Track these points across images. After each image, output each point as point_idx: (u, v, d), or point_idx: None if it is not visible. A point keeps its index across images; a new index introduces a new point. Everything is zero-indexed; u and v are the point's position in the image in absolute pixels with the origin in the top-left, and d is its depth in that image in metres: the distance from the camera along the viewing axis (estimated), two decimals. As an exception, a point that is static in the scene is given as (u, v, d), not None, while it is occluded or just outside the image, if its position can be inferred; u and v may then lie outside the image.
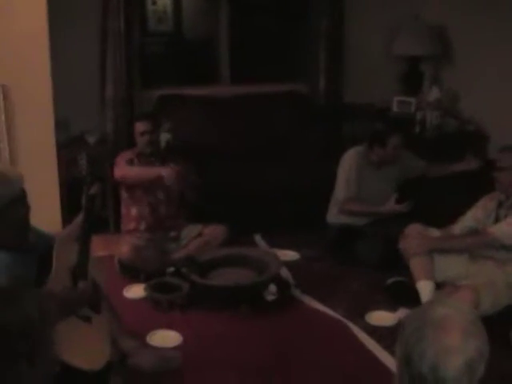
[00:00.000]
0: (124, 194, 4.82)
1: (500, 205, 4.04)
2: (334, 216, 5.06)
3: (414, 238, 4.15)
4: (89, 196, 3.26)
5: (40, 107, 4.67)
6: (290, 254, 5.00)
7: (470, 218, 4.18)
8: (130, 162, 4.73)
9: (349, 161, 4.91)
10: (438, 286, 3.97)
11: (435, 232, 4.26)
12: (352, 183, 4.86)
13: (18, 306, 1.81)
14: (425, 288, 3.97)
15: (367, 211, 4.88)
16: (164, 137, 5.12)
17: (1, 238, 2.92)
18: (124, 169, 4.69)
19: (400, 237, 4.27)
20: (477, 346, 1.57)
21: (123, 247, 4.56)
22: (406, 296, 4.17)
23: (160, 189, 4.75)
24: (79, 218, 3.30)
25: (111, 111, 5.51)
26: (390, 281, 4.43)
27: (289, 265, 4.76)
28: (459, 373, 1.54)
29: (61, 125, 5.02)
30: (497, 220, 4.00)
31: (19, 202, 2.93)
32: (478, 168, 4.87)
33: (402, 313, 4.04)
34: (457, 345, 1.55)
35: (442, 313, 1.61)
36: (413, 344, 1.57)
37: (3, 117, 4.54)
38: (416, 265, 4.08)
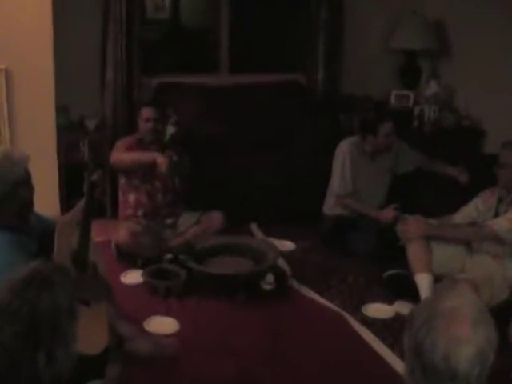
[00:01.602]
0: (121, 181, 4.76)
1: (500, 200, 4.02)
2: (329, 207, 5.03)
3: (413, 222, 4.12)
4: (90, 183, 3.20)
5: (41, 91, 4.67)
6: (286, 244, 4.96)
7: (472, 208, 4.16)
8: (130, 148, 4.67)
9: (343, 151, 4.88)
10: (436, 279, 3.93)
11: (435, 222, 4.23)
12: (347, 176, 4.83)
13: (49, 292, 1.76)
14: (423, 281, 3.93)
15: (362, 210, 4.83)
16: (170, 130, 5.02)
17: (4, 218, 2.89)
18: (119, 154, 4.62)
19: (395, 226, 4.24)
20: (486, 334, 1.58)
21: (121, 232, 4.50)
22: (403, 289, 4.13)
23: (157, 177, 4.69)
24: (80, 204, 3.25)
25: (111, 96, 5.44)
26: (387, 273, 4.40)
27: (285, 255, 4.71)
28: (471, 362, 1.54)
29: (60, 109, 4.99)
30: (496, 215, 3.98)
31: (23, 183, 2.92)
32: (466, 182, 4.83)
33: (399, 305, 4.02)
34: (467, 335, 1.54)
35: (450, 303, 1.60)
36: (423, 335, 1.55)
37: (5, 100, 4.50)
38: (414, 256, 4.04)
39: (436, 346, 1.53)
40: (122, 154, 4.61)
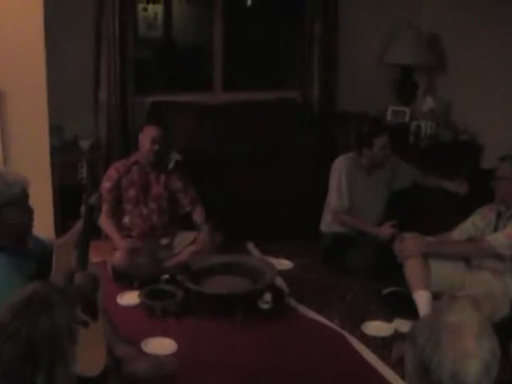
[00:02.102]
0: (114, 205, 4.76)
1: (499, 215, 4.05)
2: (327, 224, 5.06)
3: (410, 239, 4.15)
4: (89, 205, 3.24)
5: (34, 111, 4.69)
6: (284, 263, 4.98)
7: (470, 225, 4.18)
8: (125, 172, 4.68)
9: (339, 167, 4.92)
10: (435, 296, 3.95)
11: (432, 240, 4.25)
12: (344, 192, 4.86)
13: (48, 313, 1.79)
14: (422, 298, 3.94)
15: (359, 227, 4.86)
16: (175, 156, 4.98)
17: (0, 240, 2.92)
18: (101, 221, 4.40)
19: (394, 243, 4.26)
20: (490, 347, 1.59)
21: (117, 253, 4.53)
22: (402, 306, 4.16)
23: (151, 200, 4.73)
24: (77, 226, 3.28)
25: (105, 116, 5.49)
26: (385, 291, 4.43)
27: (283, 274, 4.73)
28: (479, 376, 1.55)
29: (54, 129, 5.02)
30: (496, 230, 3.99)
31: (14, 204, 2.93)
32: (465, 193, 4.88)
33: (397, 323, 4.04)
34: (473, 349, 1.55)
35: (453, 319, 1.61)
36: (429, 353, 1.56)
37: (-3, 121, 4.52)
38: (412, 273, 4.06)
39: (443, 362, 1.54)
40: (104, 221, 4.54)
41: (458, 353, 1.54)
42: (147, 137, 4.65)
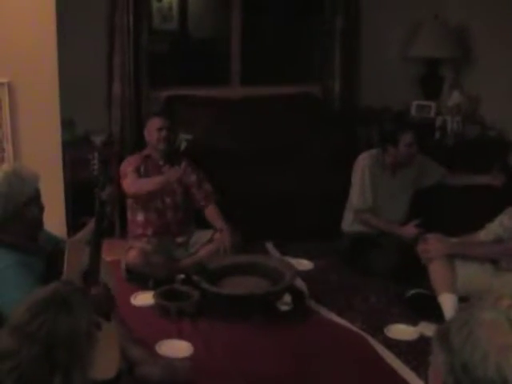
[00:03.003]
0: (129, 200, 4.82)
1: (529, 216, 4.02)
2: (348, 224, 5.05)
3: (434, 241, 4.13)
4: (101, 200, 3.24)
5: (46, 106, 4.69)
6: (303, 264, 4.99)
7: (497, 225, 4.14)
8: (137, 171, 4.70)
9: (362, 165, 4.91)
10: (461, 299, 3.93)
11: (457, 241, 4.23)
12: (367, 191, 4.85)
13: (68, 314, 1.80)
14: (447, 302, 3.92)
15: (382, 227, 4.85)
16: (183, 137, 5.00)
17: (13, 237, 2.94)
18: (134, 184, 4.64)
19: (418, 245, 4.24)
20: None
21: (131, 252, 4.54)
22: (427, 309, 4.14)
23: (166, 194, 4.74)
24: (92, 223, 3.29)
25: (118, 111, 5.51)
26: (409, 293, 4.41)
27: (302, 274, 4.73)
28: None
29: (66, 124, 5.03)
30: (525, 232, 3.97)
31: (33, 202, 2.96)
32: (502, 185, 4.84)
33: (423, 327, 4.02)
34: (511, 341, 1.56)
35: (487, 315, 1.61)
36: (470, 351, 1.56)
37: (8, 115, 4.53)
38: (436, 276, 4.04)
39: (487, 358, 1.55)
40: (137, 186, 4.64)
41: (499, 347, 1.55)
42: (152, 128, 4.75)
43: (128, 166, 4.73)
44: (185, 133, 4.80)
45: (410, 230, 4.67)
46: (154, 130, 4.75)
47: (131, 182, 4.64)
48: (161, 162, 4.79)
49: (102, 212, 3.23)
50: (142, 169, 4.75)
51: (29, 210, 2.99)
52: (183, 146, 4.77)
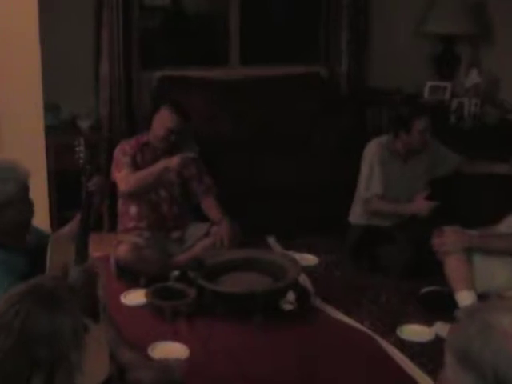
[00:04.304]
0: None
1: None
2: (357, 216, 5.04)
3: (451, 233, 4.11)
4: (88, 191, 3.22)
5: (27, 87, 4.63)
6: (308, 259, 4.98)
7: None
8: (134, 163, 4.64)
9: (371, 153, 4.89)
10: (480, 297, 3.92)
11: (475, 234, 4.21)
12: (375, 179, 4.83)
13: (51, 309, 1.78)
14: (466, 300, 3.91)
15: (393, 210, 4.85)
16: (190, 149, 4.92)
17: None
18: (130, 181, 4.56)
19: (432, 238, 4.23)
20: None
21: (121, 246, 4.52)
22: (443, 308, 4.13)
23: (162, 186, 4.70)
24: (77, 217, 3.27)
25: (106, 93, 5.49)
26: (424, 290, 4.41)
27: (307, 270, 4.73)
28: None
29: (49, 108, 5.00)
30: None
31: (16, 202, 2.93)
32: None
33: (439, 327, 3.99)
34: None
35: (505, 320, 1.60)
36: (491, 359, 1.55)
37: (-15, 97, 4.50)
38: (453, 271, 4.04)
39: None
40: (132, 180, 4.56)
41: None
42: (163, 122, 4.64)
43: (123, 154, 4.66)
44: (189, 149, 4.71)
45: (422, 204, 4.68)
46: (162, 125, 4.64)
47: (127, 180, 4.56)
48: (159, 151, 4.72)
49: (89, 204, 3.21)
50: (138, 158, 4.69)
51: (7, 212, 2.94)
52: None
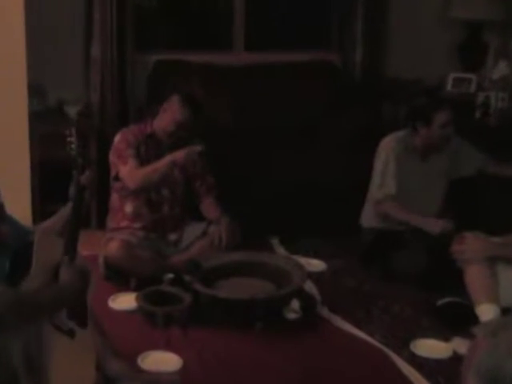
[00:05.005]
0: (118, 183, 4.71)
1: None
2: (369, 218, 5.05)
3: (473, 240, 4.11)
4: (80, 185, 3.22)
5: (9, 69, 4.64)
6: (314, 264, 4.99)
7: None
8: (138, 154, 4.60)
9: (386, 148, 4.90)
10: (504, 311, 3.93)
11: (499, 241, 4.22)
12: (389, 177, 4.84)
13: None
14: (488, 314, 3.92)
15: (403, 220, 4.84)
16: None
17: None
18: (137, 177, 4.54)
19: (452, 244, 4.23)
20: None
21: (111, 243, 4.51)
22: (462, 321, 4.13)
23: (164, 184, 4.69)
24: (64, 210, 3.27)
25: (97, 76, 5.49)
26: (441, 301, 4.40)
27: (314, 277, 4.74)
28: None
29: (34, 91, 5.00)
30: None
31: None
32: None
33: (457, 343, 3.98)
34: None
35: None
36: None
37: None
38: (475, 282, 4.04)
39: None
40: (142, 176, 4.54)
41: None
42: (172, 116, 4.61)
43: (127, 145, 4.60)
44: (196, 142, 4.70)
45: (437, 223, 4.67)
46: (173, 119, 4.60)
47: (134, 175, 4.53)
48: (164, 146, 4.69)
49: (80, 199, 3.20)
50: (142, 150, 4.64)
51: None
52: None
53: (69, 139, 3.31)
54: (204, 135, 5.04)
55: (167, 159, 4.51)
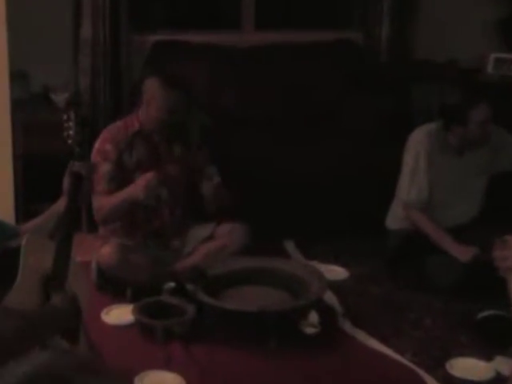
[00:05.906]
0: None
1: None
2: (396, 220, 5.06)
3: None
4: (75, 175, 3.20)
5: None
6: (335, 271, 5.00)
7: None
8: (118, 164, 4.55)
9: (417, 143, 4.89)
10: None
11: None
12: (420, 176, 4.82)
13: None
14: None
15: (433, 238, 4.81)
16: (200, 120, 4.91)
17: None
18: (102, 205, 4.48)
19: (493, 249, 4.21)
20: None
21: (105, 248, 4.49)
22: (504, 338, 4.11)
23: (164, 184, 4.60)
24: (55, 207, 3.27)
25: (88, 60, 5.52)
26: (481, 315, 4.38)
27: (334, 286, 4.73)
28: None
29: (16, 77, 5.02)
30: None
31: None
32: None
33: (500, 362, 3.97)
34: None
35: None
36: None
37: None
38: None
39: None
40: (106, 206, 4.49)
41: None
42: (156, 104, 4.51)
43: (103, 158, 4.51)
44: (203, 114, 4.69)
45: (466, 251, 4.67)
46: (157, 106, 4.50)
47: (101, 206, 4.48)
48: (157, 139, 4.68)
49: (75, 191, 3.18)
50: (126, 157, 4.58)
51: None
52: (195, 136, 4.72)
53: (66, 125, 3.28)
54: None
55: (123, 195, 4.45)
